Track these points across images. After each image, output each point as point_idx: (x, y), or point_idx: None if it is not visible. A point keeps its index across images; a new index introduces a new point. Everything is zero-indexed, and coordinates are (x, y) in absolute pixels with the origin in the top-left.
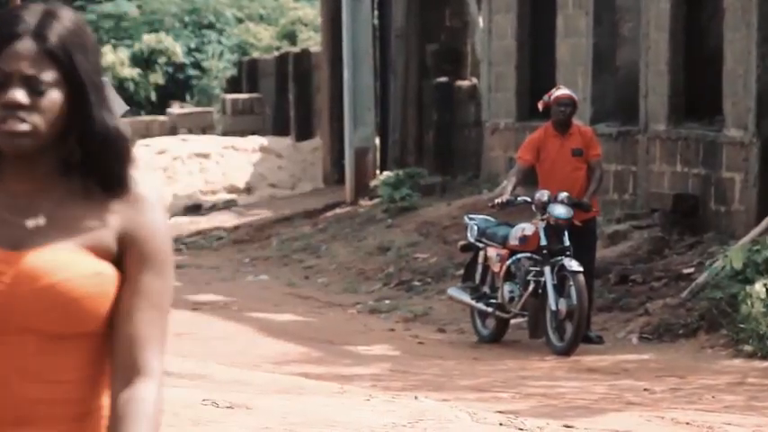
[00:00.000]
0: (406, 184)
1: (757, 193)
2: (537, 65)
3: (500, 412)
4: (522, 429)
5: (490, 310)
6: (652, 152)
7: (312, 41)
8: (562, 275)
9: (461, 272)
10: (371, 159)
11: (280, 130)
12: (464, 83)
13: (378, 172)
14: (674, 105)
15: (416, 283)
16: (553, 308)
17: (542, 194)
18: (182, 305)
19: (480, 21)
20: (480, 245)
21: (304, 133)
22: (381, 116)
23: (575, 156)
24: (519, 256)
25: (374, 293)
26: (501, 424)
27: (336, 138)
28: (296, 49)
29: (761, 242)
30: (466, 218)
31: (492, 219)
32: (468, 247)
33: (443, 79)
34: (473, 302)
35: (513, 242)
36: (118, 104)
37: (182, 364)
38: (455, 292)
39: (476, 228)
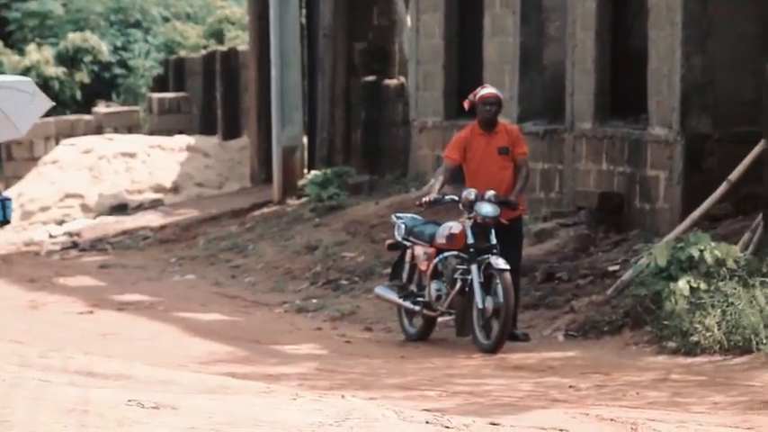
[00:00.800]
0: (333, 183)
1: (681, 191)
2: (464, 64)
3: (427, 410)
4: (448, 427)
5: (417, 308)
6: (578, 150)
7: (239, 40)
8: (489, 273)
9: (389, 270)
10: (299, 158)
11: (207, 129)
12: (392, 82)
13: (305, 171)
14: (600, 104)
15: (344, 282)
16: (480, 306)
17: (469, 193)
18: (107, 305)
19: (408, 20)
20: (408, 243)
21: (231, 132)
22: (309, 115)
23: (501, 154)
24: (446, 254)
25: (301, 292)
26: (427, 422)
27: (264, 137)
28: (223, 48)
29: (684, 240)
30: (393, 216)
31: (419, 217)
32: (395, 246)
33: (371, 78)
34: (400, 301)
35: (441, 240)
36: (43, 101)
37: (107, 365)
38: (382, 290)
39: (403, 226)
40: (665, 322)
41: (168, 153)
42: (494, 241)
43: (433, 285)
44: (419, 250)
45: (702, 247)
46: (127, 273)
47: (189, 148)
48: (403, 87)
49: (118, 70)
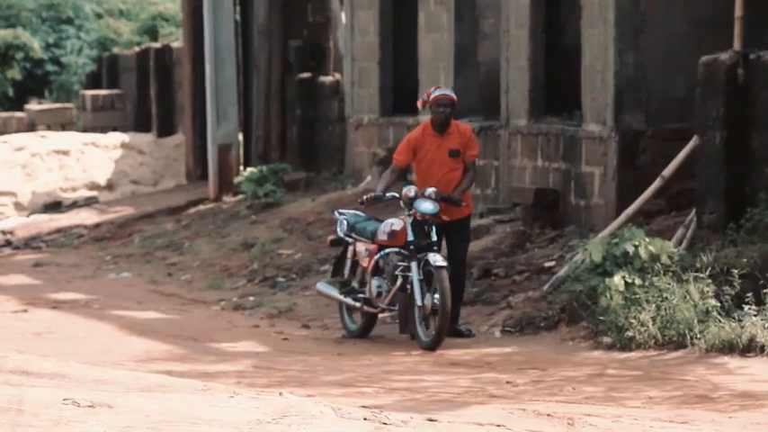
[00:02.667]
0: (269, 180)
1: (616, 187)
2: (400, 61)
3: (364, 407)
4: (386, 424)
5: (358, 304)
6: (513, 147)
7: (173, 37)
8: (428, 270)
9: (327, 267)
10: (235, 155)
11: (141, 126)
12: (327, 79)
13: (241, 168)
14: (535, 101)
15: (281, 280)
16: (419, 303)
17: (409, 189)
18: (42, 304)
19: (343, 17)
20: (350, 240)
21: (166, 129)
22: (244, 112)
23: (452, 157)
24: (387, 250)
25: (238, 290)
26: (365, 419)
27: (199, 134)
28: (157, 45)
29: (619, 235)
30: (336, 212)
31: (361, 214)
32: (337, 242)
33: (306, 75)
34: (341, 297)
35: (382, 237)
36: None
37: (41, 364)
38: (323, 286)
39: (345, 222)
40: (601, 318)
41: (102, 150)
42: (434, 238)
43: (374, 282)
44: (361, 246)
45: (637, 243)
46: (61, 271)
47: (123, 146)
48: (338, 84)
49: (50, 67)
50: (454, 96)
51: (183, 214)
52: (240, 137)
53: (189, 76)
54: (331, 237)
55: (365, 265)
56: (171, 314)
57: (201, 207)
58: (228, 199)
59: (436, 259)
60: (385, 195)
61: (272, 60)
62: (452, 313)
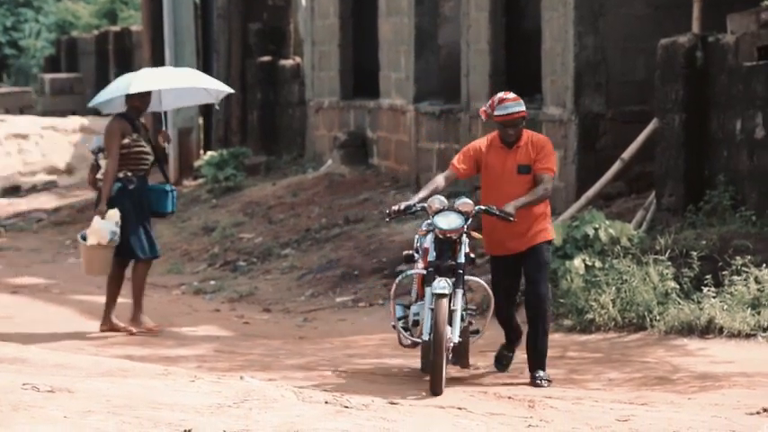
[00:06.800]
0: (230, 164)
1: (576, 170)
2: (360, 44)
3: (326, 391)
4: (347, 407)
5: (407, 340)
6: (474, 131)
7: (132, 20)
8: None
9: (288, 251)
10: (195, 139)
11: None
12: (287, 62)
13: (201, 152)
14: (495, 84)
15: (242, 263)
16: (424, 337)
17: (433, 200)
18: (1, 288)
19: (303, 0)
20: (416, 256)
21: None
22: None
23: (521, 173)
24: (408, 272)
25: (199, 274)
26: (326, 402)
27: (159, 117)
28: (116, 28)
29: (580, 218)
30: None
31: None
32: (409, 258)
33: (267, 58)
34: (394, 323)
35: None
36: (204, 99)
37: (1, 349)
38: (396, 307)
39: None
40: (561, 300)
41: (62, 134)
42: (461, 259)
43: (413, 309)
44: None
45: (597, 226)
46: (21, 255)
47: (83, 129)
48: (299, 68)
49: (8, 50)
50: (524, 110)
51: None
52: (200, 121)
53: (148, 60)
54: (406, 252)
55: (416, 287)
56: (131, 299)
57: None
58: (189, 183)
59: (438, 285)
60: (414, 206)
61: (232, 44)
62: (534, 360)
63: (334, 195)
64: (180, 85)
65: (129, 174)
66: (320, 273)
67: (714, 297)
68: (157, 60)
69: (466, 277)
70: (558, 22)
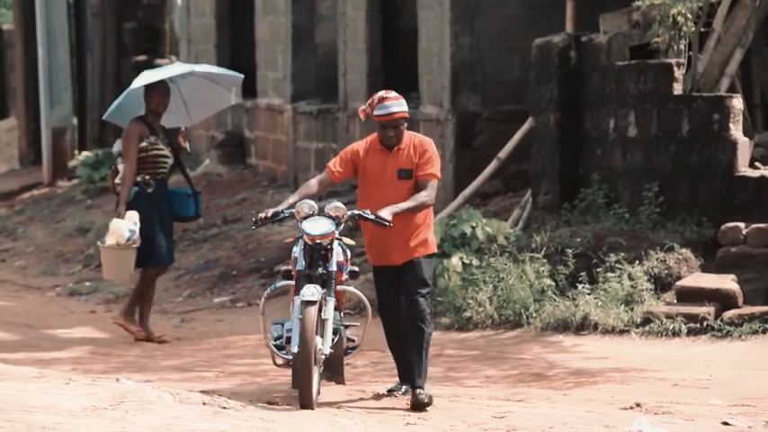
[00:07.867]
0: (105, 165)
1: (453, 170)
2: (237, 43)
3: (204, 392)
4: (224, 408)
5: (280, 358)
6: (352, 130)
7: (4, 18)
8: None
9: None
10: (69, 139)
11: None
12: (163, 61)
13: (76, 152)
14: (372, 83)
15: None
16: (293, 350)
17: (302, 205)
18: None
19: None
20: None
21: None
22: (79, 95)
23: (401, 178)
24: (279, 284)
25: (74, 275)
26: (204, 403)
27: (32, 117)
28: None
29: (457, 217)
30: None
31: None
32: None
33: (142, 58)
34: (270, 344)
35: (291, 266)
36: (230, 100)
37: None
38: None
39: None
40: (439, 298)
41: None
42: (332, 267)
43: (287, 325)
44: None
45: (474, 224)
46: None
47: None
48: None
49: None
50: (406, 111)
51: (16, 199)
52: (75, 121)
53: (21, 59)
54: (284, 268)
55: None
56: (4, 301)
57: (35, 192)
58: (63, 183)
59: (306, 292)
60: (283, 213)
61: (107, 42)
62: (411, 376)
63: (211, 195)
64: (181, 71)
65: (147, 177)
66: (198, 273)
67: (589, 294)
68: (30, 60)
69: (341, 287)
70: (435, 21)
